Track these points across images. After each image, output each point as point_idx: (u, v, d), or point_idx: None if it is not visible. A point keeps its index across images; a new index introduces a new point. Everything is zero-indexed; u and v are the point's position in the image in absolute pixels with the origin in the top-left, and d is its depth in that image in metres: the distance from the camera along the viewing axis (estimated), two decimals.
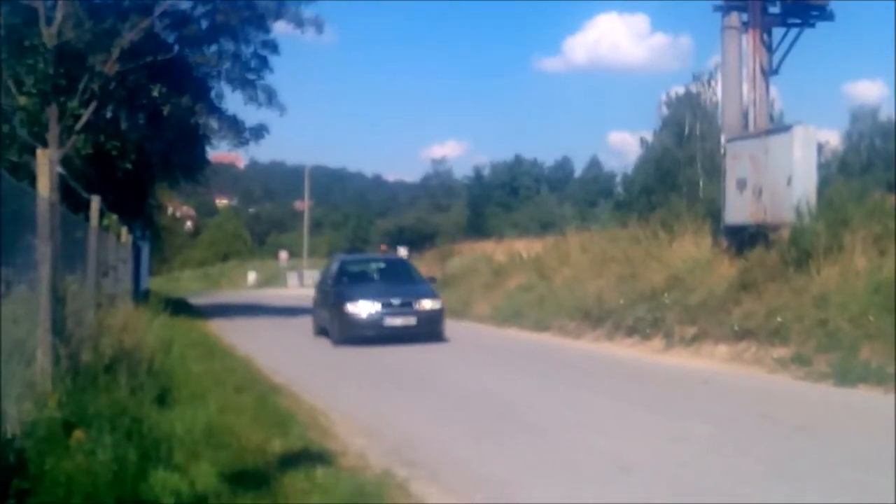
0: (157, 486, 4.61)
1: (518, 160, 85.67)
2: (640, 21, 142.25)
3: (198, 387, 8.19)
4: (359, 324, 15.02)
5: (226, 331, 18.09)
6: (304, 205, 68.47)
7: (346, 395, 9.67)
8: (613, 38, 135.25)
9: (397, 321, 15.00)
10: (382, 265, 18.31)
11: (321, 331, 16.79)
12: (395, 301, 15.18)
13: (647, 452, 6.57)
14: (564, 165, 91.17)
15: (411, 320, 15.06)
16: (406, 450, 6.73)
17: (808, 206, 12.39)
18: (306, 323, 21.06)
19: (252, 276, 58.88)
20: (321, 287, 17.91)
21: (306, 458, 5.72)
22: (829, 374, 9.83)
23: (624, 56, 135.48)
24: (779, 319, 11.29)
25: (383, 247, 18.99)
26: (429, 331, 15.01)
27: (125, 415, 5.59)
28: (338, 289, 16.11)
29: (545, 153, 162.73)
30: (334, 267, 17.61)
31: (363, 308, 15.04)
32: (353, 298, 15.22)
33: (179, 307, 22.13)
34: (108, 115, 21.92)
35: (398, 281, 16.68)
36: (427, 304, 15.35)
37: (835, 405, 8.59)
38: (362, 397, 9.66)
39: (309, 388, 9.69)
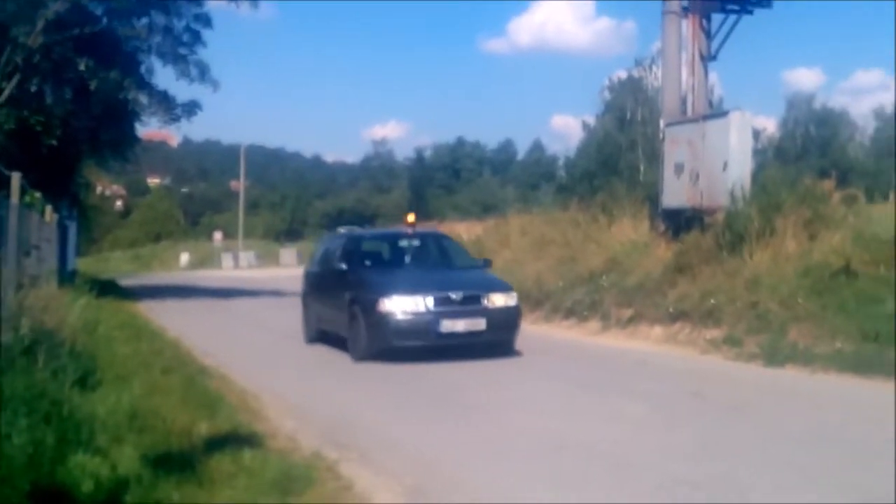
0: (76, 470, 4.50)
1: (460, 142, 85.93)
2: (586, 4, 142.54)
3: (123, 369, 8.06)
4: (400, 329, 10.32)
5: (155, 313, 17.66)
6: (239, 185, 67.37)
7: (277, 377, 9.50)
8: (559, 21, 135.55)
9: (459, 325, 10.37)
10: (416, 242, 12.78)
11: (321, 336, 12.44)
12: (455, 295, 10.53)
13: (582, 431, 6.60)
14: (507, 148, 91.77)
15: (479, 323, 10.47)
16: (338, 432, 6.63)
17: (742, 190, 12.58)
18: (240, 304, 20.76)
19: (185, 258, 57.80)
20: (319, 275, 12.95)
21: (234, 440, 5.60)
22: (759, 354, 10.03)
23: (569, 39, 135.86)
24: (712, 301, 11.47)
25: (410, 217, 13.28)
26: (502, 339, 10.78)
27: (44, 397, 5.47)
28: (360, 277, 11.33)
29: (488, 136, 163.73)
30: (338, 245, 12.69)
31: (405, 305, 10.37)
32: (388, 291, 10.48)
33: (108, 288, 21.61)
34: (33, 88, 21.04)
35: (444, 265, 12.20)
36: (498, 300, 10.74)
37: (763, 385, 8.75)
38: (293, 378, 9.50)
39: (239, 370, 9.49)
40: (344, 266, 11.71)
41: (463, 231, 25.21)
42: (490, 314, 10.57)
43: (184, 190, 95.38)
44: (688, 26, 14.64)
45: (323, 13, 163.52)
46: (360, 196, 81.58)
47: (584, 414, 7.32)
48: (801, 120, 59.73)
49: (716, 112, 15.35)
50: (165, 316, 16.67)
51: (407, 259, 12.35)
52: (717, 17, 14.91)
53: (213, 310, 20.25)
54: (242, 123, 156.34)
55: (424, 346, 10.36)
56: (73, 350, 7.44)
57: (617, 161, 37.30)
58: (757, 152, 14.60)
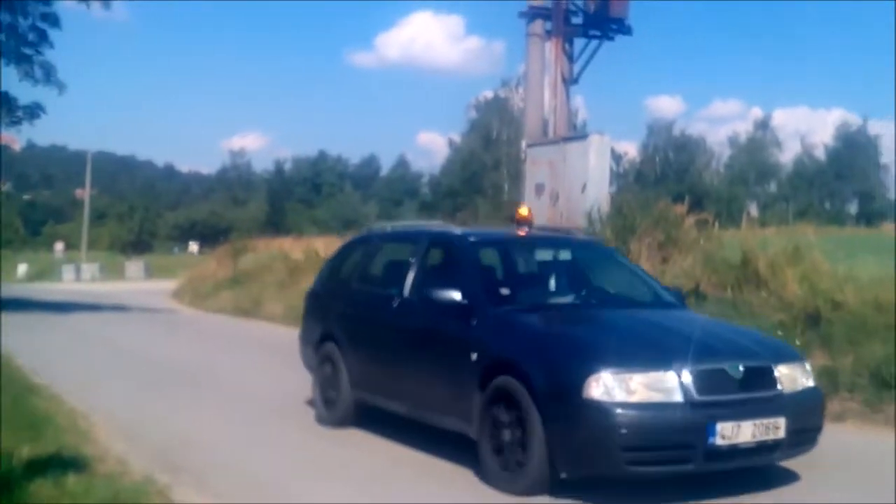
0: None
1: (322, 156, 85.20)
2: (455, 23, 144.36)
3: None
4: (636, 440, 4.86)
5: None
6: (85, 193, 64.07)
7: (111, 394, 8.79)
8: (427, 38, 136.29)
9: (745, 431, 5.03)
10: (566, 256, 7.21)
11: (358, 412, 7.11)
12: (731, 369, 5.19)
13: (421, 449, 6.39)
14: (371, 163, 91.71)
15: (776, 425, 5.14)
16: (172, 454, 6.19)
17: (599, 212, 12.82)
18: (78, 319, 19.45)
19: (22, 269, 54.23)
20: (364, 302, 7.30)
21: (59, 463, 5.14)
22: None
23: (437, 56, 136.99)
24: None
25: (523, 210, 7.99)
26: (800, 452, 5.49)
27: None
28: (515, 321, 5.80)
29: (352, 150, 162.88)
30: (412, 251, 7.03)
31: (643, 389, 4.95)
32: (597, 356, 5.09)
33: None
34: None
35: (633, 303, 6.65)
36: (793, 377, 5.49)
37: None
38: (127, 395, 8.82)
39: (71, 389, 8.73)
40: (458, 296, 5.98)
41: (321, 246, 24.74)
42: (788, 406, 5.31)
43: (25, 197, 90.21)
44: (551, 49, 14.91)
45: (181, 18, 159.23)
46: (214, 208, 79.35)
47: (445, 434, 7.09)
48: (660, 146, 62.96)
49: (576, 134, 15.68)
50: None
51: (551, 286, 6.81)
52: (579, 42, 15.32)
53: (49, 325, 18.87)
54: (91, 129, 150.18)
55: (684, 472, 5.05)
56: None
57: (481, 180, 37.89)
58: (619, 176, 15.05)
